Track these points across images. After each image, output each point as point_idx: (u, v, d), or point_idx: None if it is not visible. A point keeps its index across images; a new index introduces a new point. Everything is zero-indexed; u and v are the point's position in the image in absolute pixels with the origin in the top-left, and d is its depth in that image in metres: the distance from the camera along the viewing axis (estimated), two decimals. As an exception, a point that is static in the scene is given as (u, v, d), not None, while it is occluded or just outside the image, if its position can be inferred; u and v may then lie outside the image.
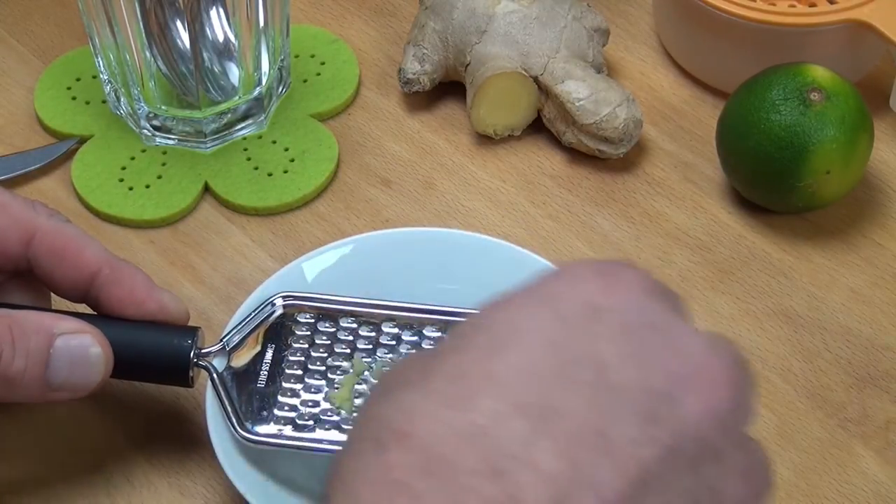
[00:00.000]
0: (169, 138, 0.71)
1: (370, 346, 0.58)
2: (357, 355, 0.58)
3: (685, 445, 0.39)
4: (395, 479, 0.37)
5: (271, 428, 0.55)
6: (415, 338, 0.58)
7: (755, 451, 0.42)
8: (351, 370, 0.57)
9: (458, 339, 0.41)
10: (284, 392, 0.56)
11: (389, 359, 0.57)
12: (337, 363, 0.57)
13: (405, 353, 0.57)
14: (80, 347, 0.53)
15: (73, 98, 0.73)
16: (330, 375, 0.57)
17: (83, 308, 0.57)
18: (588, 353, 0.39)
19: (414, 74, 0.72)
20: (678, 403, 0.39)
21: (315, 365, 0.57)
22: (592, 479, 0.37)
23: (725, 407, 0.40)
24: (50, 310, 0.57)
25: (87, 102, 0.73)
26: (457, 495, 0.36)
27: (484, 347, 0.40)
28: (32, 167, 0.70)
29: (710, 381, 0.40)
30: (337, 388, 0.57)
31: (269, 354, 0.57)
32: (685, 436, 0.39)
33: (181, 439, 0.59)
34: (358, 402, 0.56)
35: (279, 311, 0.59)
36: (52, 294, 0.58)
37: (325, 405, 0.56)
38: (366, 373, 0.57)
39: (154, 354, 0.55)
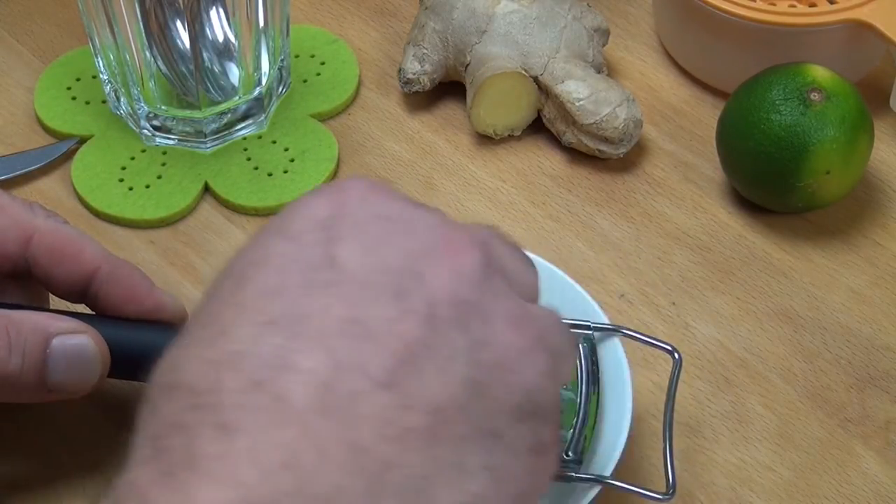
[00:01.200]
0: (169, 138, 0.71)
1: None
2: None
3: (441, 310, 0.40)
4: (166, 423, 0.38)
5: None
6: None
7: (529, 307, 0.42)
8: None
9: (209, 290, 0.42)
10: None
11: None
12: None
13: None
14: (77, 347, 0.53)
15: (73, 98, 0.73)
16: None
17: (81, 308, 0.57)
18: (323, 258, 0.41)
19: (414, 74, 0.72)
20: (424, 275, 0.40)
21: None
22: (356, 362, 0.38)
23: (473, 265, 0.41)
24: (47, 309, 0.57)
25: (87, 102, 0.73)
26: (227, 414, 0.37)
27: (229, 287, 0.41)
28: (32, 167, 0.70)
29: (450, 247, 0.41)
30: None
31: None
32: (438, 301, 0.40)
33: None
34: None
35: None
36: (51, 295, 0.58)
37: None
38: None
39: (152, 354, 0.55)
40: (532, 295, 0.44)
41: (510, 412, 0.40)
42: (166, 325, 0.56)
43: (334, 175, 0.70)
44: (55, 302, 0.58)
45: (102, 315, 0.56)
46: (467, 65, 0.71)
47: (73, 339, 0.53)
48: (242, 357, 0.39)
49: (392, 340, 0.39)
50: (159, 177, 0.70)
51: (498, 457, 0.39)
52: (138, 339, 0.55)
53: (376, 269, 0.40)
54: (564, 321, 0.45)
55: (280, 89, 0.72)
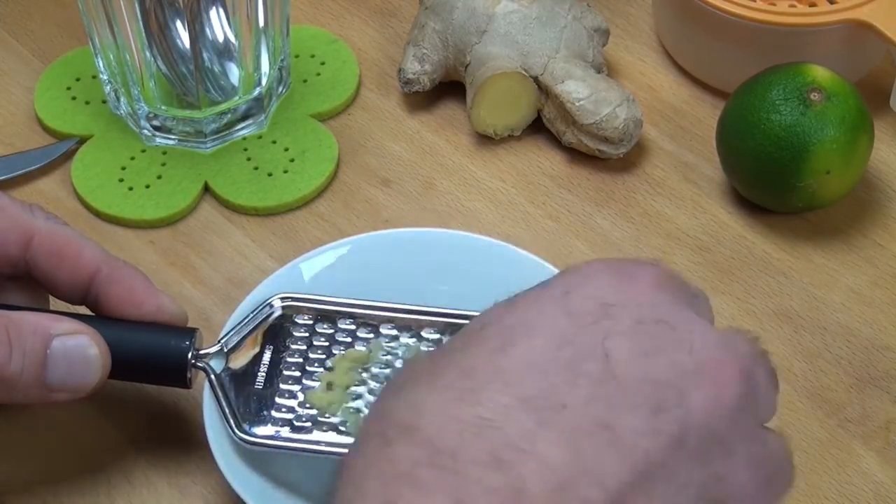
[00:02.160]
0: (169, 138, 0.71)
1: None
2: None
3: (691, 437, 0.39)
4: (400, 471, 0.38)
5: (269, 429, 0.55)
6: (413, 339, 0.58)
7: (769, 444, 0.42)
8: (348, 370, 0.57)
9: (468, 336, 0.41)
10: (282, 394, 0.56)
11: (387, 360, 0.57)
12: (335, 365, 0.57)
13: (404, 355, 0.57)
14: (78, 348, 0.53)
15: (73, 98, 0.73)
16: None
17: (82, 310, 0.57)
18: (595, 348, 0.40)
19: (414, 74, 0.72)
20: (685, 396, 0.40)
21: (313, 367, 0.57)
22: (596, 469, 0.38)
23: (734, 400, 0.40)
24: (47, 310, 0.57)
25: (87, 102, 0.73)
26: (461, 485, 0.37)
27: (493, 343, 0.40)
28: (32, 167, 0.70)
29: (718, 374, 0.40)
30: (330, 390, 0.57)
31: (267, 356, 0.57)
32: (691, 427, 0.39)
33: (181, 439, 0.59)
34: (353, 404, 0.56)
35: (277, 313, 0.58)
36: (52, 297, 0.58)
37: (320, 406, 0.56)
38: (361, 374, 0.57)
39: (152, 355, 0.55)
40: (771, 414, 0.43)
41: None
42: (166, 327, 0.56)
43: (334, 175, 0.70)
44: (55, 303, 0.58)
45: (102, 316, 0.56)
46: (467, 65, 0.71)
47: (73, 340, 0.53)
48: (490, 427, 0.38)
49: (636, 455, 0.38)
50: (159, 177, 0.70)
51: None
52: (138, 341, 0.55)
53: (642, 377, 0.40)
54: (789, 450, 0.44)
55: (280, 89, 0.72)
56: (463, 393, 0.39)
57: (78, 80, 0.74)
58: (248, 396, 0.56)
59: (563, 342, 0.40)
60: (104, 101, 0.72)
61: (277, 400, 0.56)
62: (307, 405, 0.56)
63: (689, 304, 0.43)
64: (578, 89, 0.69)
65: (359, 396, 0.56)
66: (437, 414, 0.39)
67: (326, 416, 0.55)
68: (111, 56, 0.69)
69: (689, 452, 0.39)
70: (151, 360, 0.55)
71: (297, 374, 0.57)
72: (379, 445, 0.39)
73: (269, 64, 0.70)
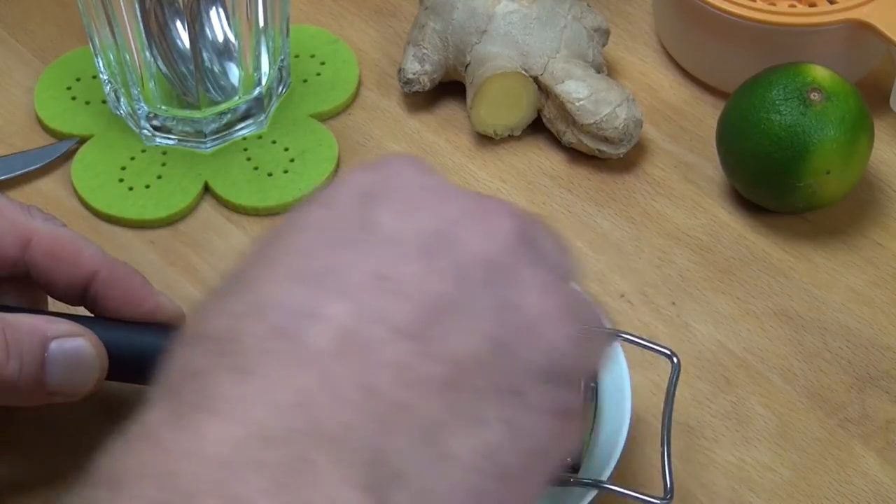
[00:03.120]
0: (169, 138, 0.71)
1: None
2: None
3: (471, 270, 0.40)
4: (187, 370, 0.39)
5: None
6: None
7: (564, 283, 0.43)
8: None
9: (246, 252, 0.43)
10: None
11: None
12: None
13: None
14: (75, 350, 0.53)
15: (73, 98, 0.73)
16: None
17: (80, 310, 0.57)
18: (360, 220, 0.41)
19: (414, 74, 0.72)
20: (457, 237, 0.41)
21: None
22: (380, 314, 0.38)
23: (508, 231, 0.41)
24: (45, 312, 0.57)
25: (87, 102, 0.73)
26: (245, 359, 0.38)
27: (261, 249, 0.42)
28: (32, 167, 0.70)
29: (486, 214, 0.42)
30: None
31: None
32: (469, 261, 0.40)
33: (181, 439, 0.59)
34: None
35: None
36: (50, 298, 0.58)
37: None
38: None
39: (150, 356, 0.55)
40: (565, 275, 0.44)
41: (533, 373, 0.40)
42: (165, 328, 0.56)
43: (334, 175, 0.70)
44: (54, 304, 0.58)
45: (101, 317, 0.56)
46: (467, 65, 0.71)
47: (70, 343, 0.53)
48: (267, 307, 0.39)
49: (419, 295, 0.39)
50: (159, 177, 0.70)
51: (516, 412, 0.39)
52: (137, 342, 0.55)
53: (410, 231, 0.41)
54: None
55: (280, 89, 0.72)
56: (239, 291, 0.40)
57: (78, 80, 0.74)
58: None
59: (328, 227, 0.41)
60: (104, 101, 0.72)
61: None
62: None
63: (445, 178, 0.44)
64: (578, 89, 0.69)
65: None
66: (216, 315, 0.40)
67: None
68: (111, 56, 0.69)
69: (473, 283, 0.40)
70: (150, 361, 0.55)
71: None
72: (172, 356, 0.40)
73: (269, 64, 0.70)
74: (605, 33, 0.73)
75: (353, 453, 0.36)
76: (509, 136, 0.72)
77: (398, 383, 0.38)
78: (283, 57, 0.71)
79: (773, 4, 0.72)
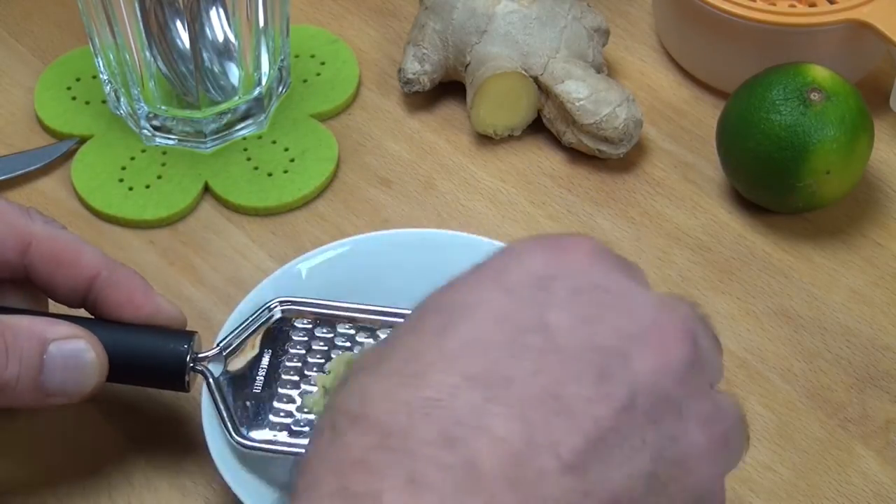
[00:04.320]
0: (169, 138, 0.71)
1: None
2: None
3: (640, 400, 0.39)
4: (353, 457, 0.38)
5: (266, 433, 0.55)
6: None
7: (720, 403, 0.42)
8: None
9: (410, 323, 0.42)
10: (280, 398, 0.56)
11: None
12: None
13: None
14: (74, 353, 0.53)
15: (73, 98, 0.73)
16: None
17: (81, 313, 0.57)
18: (536, 321, 0.40)
19: (414, 74, 0.72)
20: (630, 360, 0.40)
21: (311, 371, 0.57)
22: (549, 439, 0.38)
23: (680, 359, 0.41)
24: (45, 314, 0.57)
25: (87, 102, 0.73)
26: (414, 465, 0.37)
27: (434, 326, 0.41)
28: (32, 167, 0.70)
29: (661, 336, 0.41)
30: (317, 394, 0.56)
31: (265, 360, 0.57)
32: (639, 390, 0.40)
33: (181, 440, 0.59)
34: None
35: (277, 316, 0.58)
36: (51, 301, 0.58)
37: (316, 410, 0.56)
38: None
39: (150, 359, 0.55)
40: (718, 378, 0.44)
41: None
42: (164, 330, 0.56)
43: (334, 175, 0.70)
44: (55, 307, 0.58)
45: (101, 320, 0.56)
46: (467, 65, 0.71)
47: (69, 345, 0.53)
48: (438, 407, 0.38)
49: (587, 422, 0.39)
50: (159, 177, 0.70)
51: None
52: (137, 344, 0.55)
53: (585, 345, 0.40)
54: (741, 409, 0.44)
55: (280, 89, 0.72)
56: (408, 377, 0.40)
57: (78, 80, 0.74)
58: (246, 400, 0.56)
59: (503, 318, 0.41)
60: (104, 101, 0.72)
61: (275, 404, 0.56)
62: (305, 409, 0.56)
63: (625, 272, 0.43)
64: (578, 89, 0.69)
65: None
66: (385, 400, 0.39)
67: None
68: (111, 56, 0.69)
69: (640, 415, 0.39)
70: (149, 363, 0.55)
71: (296, 378, 0.57)
72: (330, 437, 0.39)
73: (269, 64, 0.70)
74: (605, 33, 0.73)
75: None
76: (509, 136, 0.72)
77: None
78: (283, 57, 0.71)
79: (773, 4, 0.72)
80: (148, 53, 0.68)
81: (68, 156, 0.71)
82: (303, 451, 0.54)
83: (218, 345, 0.57)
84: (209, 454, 0.55)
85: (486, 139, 0.72)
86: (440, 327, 0.41)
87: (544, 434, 0.38)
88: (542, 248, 0.43)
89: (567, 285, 0.41)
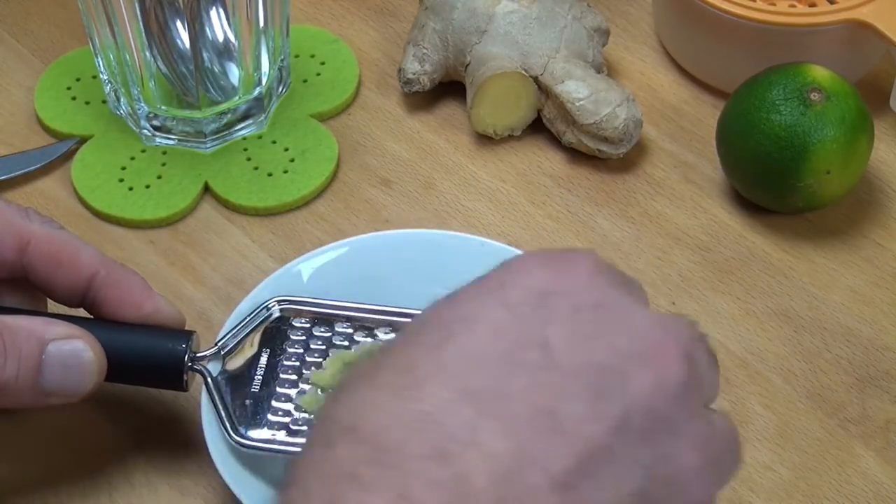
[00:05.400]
0: (169, 138, 0.71)
1: None
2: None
3: (635, 419, 0.39)
4: (344, 471, 0.38)
5: (265, 433, 0.55)
6: None
7: (715, 424, 0.42)
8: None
9: (407, 334, 0.42)
10: (279, 397, 0.56)
11: None
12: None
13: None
14: (73, 353, 0.53)
15: (73, 98, 0.73)
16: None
17: (80, 312, 0.57)
18: (534, 337, 0.40)
19: (414, 74, 0.72)
20: (627, 379, 0.40)
21: (310, 370, 0.57)
22: (541, 456, 0.38)
23: (677, 380, 0.41)
24: (43, 313, 0.57)
25: (87, 102, 0.73)
26: (404, 480, 0.37)
27: (431, 339, 0.41)
28: (32, 167, 0.70)
29: (659, 356, 0.41)
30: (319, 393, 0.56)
31: (263, 359, 0.57)
32: (634, 410, 0.40)
33: (181, 440, 0.59)
34: None
35: (275, 315, 0.58)
36: (50, 300, 0.58)
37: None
38: None
39: (149, 358, 0.55)
40: (713, 396, 0.44)
41: None
42: (163, 330, 0.56)
43: (334, 175, 0.70)
44: (54, 306, 0.58)
45: (100, 319, 0.56)
46: (467, 65, 0.71)
47: (68, 345, 0.53)
48: (431, 422, 0.38)
49: (580, 441, 0.39)
50: (159, 177, 0.70)
51: None
52: (135, 344, 0.55)
53: (583, 363, 0.40)
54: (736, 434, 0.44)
55: (280, 89, 0.72)
56: (403, 389, 0.39)
57: (78, 80, 0.74)
58: (245, 399, 0.56)
59: (502, 333, 0.40)
60: (104, 101, 0.72)
61: (274, 403, 0.56)
62: (303, 409, 0.56)
63: (625, 289, 0.43)
64: (578, 89, 0.69)
65: None
66: (378, 412, 0.39)
67: None
68: (111, 56, 0.69)
69: (634, 435, 0.39)
70: (148, 363, 0.55)
71: (294, 377, 0.57)
72: (322, 448, 0.39)
73: (269, 64, 0.70)
74: (605, 33, 0.73)
75: None
76: (509, 136, 0.72)
77: None
78: (283, 57, 0.71)
79: (773, 4, 0.72)
80: (148, 53, 0.68)
81: (68, 156, 0.71)
82: (301, 450, 0.55)
83: (216, 344, 0.57)
84: (209, 454, 0.55)
85: (486, 139, 0.72)
86: (438, 340, 0.41)
87: (537, 451, 0.38)
88: (544, 264, 0.43)
89: (567, 303, 0.41)
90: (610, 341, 0.41)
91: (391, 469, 0.37)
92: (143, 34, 0.67)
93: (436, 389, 0.39)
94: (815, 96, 0.64)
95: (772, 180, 0.66)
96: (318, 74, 0.74)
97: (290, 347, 0.58)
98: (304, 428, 0.55)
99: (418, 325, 0.42)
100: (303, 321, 0.58)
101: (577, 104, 0.68)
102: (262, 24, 0.68)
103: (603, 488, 0.38)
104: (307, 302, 0.59)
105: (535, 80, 0.70)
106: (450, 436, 0.38)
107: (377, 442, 0.38)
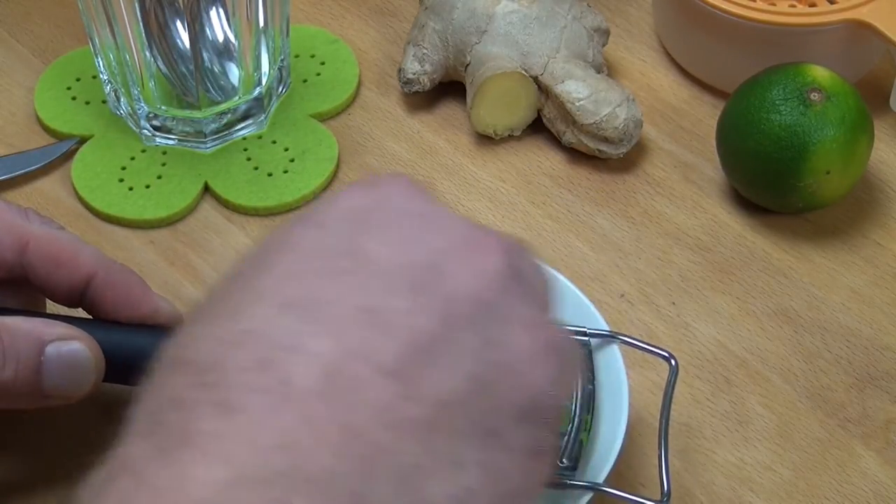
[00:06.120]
0: (169, 138, 0.71)
1: None
2: None
3: (458, 307, 0.40)
4: (167, 397, 0.38)
5: None
6: None
7: (550, 325, 0.42)
8: None
9: (229, 271, 0.42)
10: None
11: None
12: None
13: None
14: (71, 354, 0.53)
15: (73, 98, 0.73)
16: None
17: (79, 312, 0.57)
18: (349, 246, 0.41)
19: (414, 74, 0.72)
20: (445, 272, 0.41)
21: None
22: (364, 350, 0.38)
23: (496, 268, 0.41)
24: (42, 314, 0.57)
25: (87, 102, 0.73)
26: (229, 393, 0.37)
27: (248, 268, 0.41)
28: (32, 167, 0.70)
29: (476, 248, 0.42)
30: None
31: None
32: (457, 298, 0.40)
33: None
34: None
35: None
36: (49, 301, 0.58)
37: None
38: None
39: (147, 358, 0.55)
40: (546, 305, 0.44)
41: (512, 413, 0.40)
42: (162, 330, 0.56)
43: (334, 175, 0.70)
44: (52, 306, 0.58)
45: (99, 319, 0.56)
46: (467, 65, 0.71)
47: (67, 346, 0.53)
48: (252, 336, 0.39)
49: (404, 332, 0.39)
50: (159, 177, 0.70)
51: (493, 454, 0.39)
52: (134, 344, 0.55)
53: (399, 262, 0.40)
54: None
55: (280, 89, 0.72)
56: (225, 315, 0.40)
57: (78, 80, 0.74)
58: None
59: (317, 249, 0.41)
60: (104, 101, 0.72)
61: None
62: None
63: (442, 204, 0.44)
64: (578, 89, 0.69)
65: None
66: (200, 339, 0.39)
67: None
68: (111, 56, 0.69)
69: (459, 321, 0.40)
70: (147, 363, 0.55)
71: None
72: (150, 386, 0.39)
73: (269, 64, 0.70)
74: (605, 33, 0.73)
75: (333, 498, 0.36)
76: (509, 136, 0.72)
77: (379, 425, 0.37)
78: (283, 57, 0.71)
79: (773, 4, 0.72)
80: (148, 53, 0.68)
81: (68, 156, 0.71)
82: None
83: None
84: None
85: (486, 139, 0.72)
86: (252, 268, 0.41)
87: (358, 345, 0.38)
88: (356, 188, 0.43)
89: (383, 215, 0.42)
90: (426, 242, 0.41)
91: (214, 387, 0.38)
92: (143, 34, 0.67)
93: (255, 308, 0.39)
94: (815, 96, 0.64)
95: (772, 180, 0.66)
96: (318, 74, 0.74)
97: None
98: None
99: (239, 261, 0.43)
100: None
101: (577, 104, 0.68)
102: (262, 24, 0.68)
103: (433, 374, 0.38)
104: None
105: (535, 80, 0.70)
106: (272, 345, 0.38)
107: (200, 366, 0.38)
